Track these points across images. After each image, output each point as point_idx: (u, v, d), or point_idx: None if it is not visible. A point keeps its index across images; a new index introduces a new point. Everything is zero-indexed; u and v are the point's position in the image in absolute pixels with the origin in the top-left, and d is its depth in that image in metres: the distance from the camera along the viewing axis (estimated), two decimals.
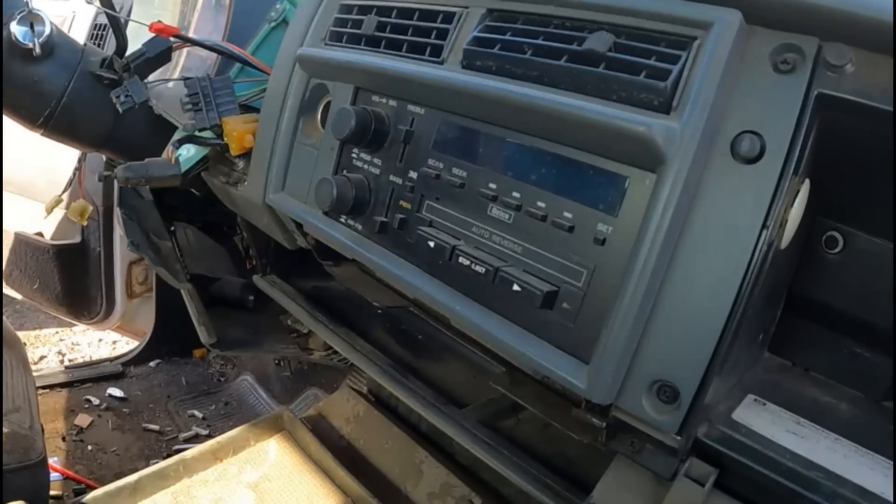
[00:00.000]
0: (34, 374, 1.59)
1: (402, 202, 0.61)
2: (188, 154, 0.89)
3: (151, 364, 1.77)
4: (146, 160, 0.87)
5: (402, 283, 0.59)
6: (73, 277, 1.66)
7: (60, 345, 2.08)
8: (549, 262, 0.50)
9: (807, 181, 0.48)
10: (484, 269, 0.51)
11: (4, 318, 1.25)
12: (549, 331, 0.50)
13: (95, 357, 1.95)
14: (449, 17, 0.59)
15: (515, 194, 0.52)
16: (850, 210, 0.55)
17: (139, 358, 1.76)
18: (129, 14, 1.41)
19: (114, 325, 1.74)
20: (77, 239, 1.63)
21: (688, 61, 0.44)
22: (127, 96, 0.85)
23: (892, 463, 0.45)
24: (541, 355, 0.49)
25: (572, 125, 0.47)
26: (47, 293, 1.69)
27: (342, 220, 0.67)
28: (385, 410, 1.06)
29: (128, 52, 0.93)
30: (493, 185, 0.53)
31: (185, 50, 0.95)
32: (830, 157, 0.49)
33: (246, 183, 0.83)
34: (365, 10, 0.69)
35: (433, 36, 0.60)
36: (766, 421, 0.50)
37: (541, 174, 0.50)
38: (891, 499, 0.41)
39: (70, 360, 1.98)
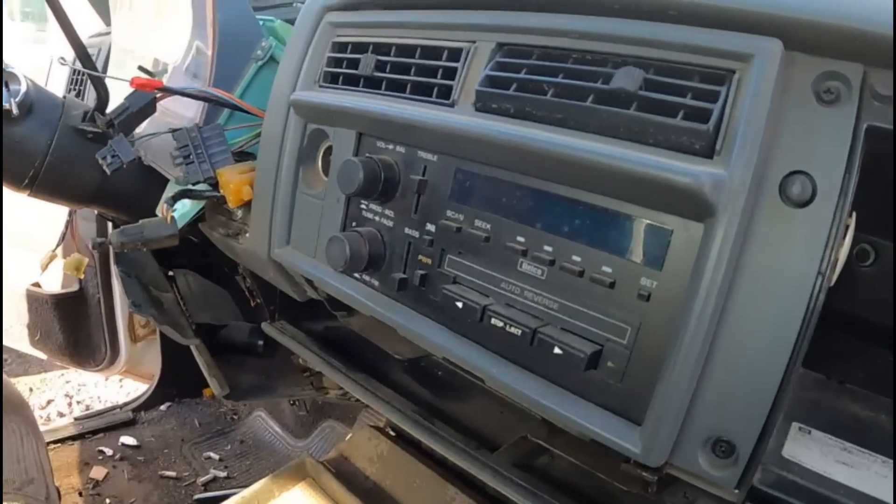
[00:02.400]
0: (44, 428, 1.57)
1: (421, 257, 0.57)
2: (183, 209, 0.85)
3: (162, 408, 1.73)
4: (141, 222, 0.83)
5: (428, 343, 0.56)
6: (74, 326, 1.62)
7: (67, 387, 2.04)
8: (589, 320, 0.46)
9: (854, 214, 0.45)
10: (520, 331, 0.47)
11: (11, 379, 1.22)
12: (595, 391, 0.46)
13: (103, 397, 1.92)
14: (455, 55, 0.55)
15: (547, 248, 0.48)
16: (881, 222, 0.53)
17: (149, 402, 1.72)
18: (105, 61, 1.37)
19: (120, 370, 1.71)
20: (75, 287, 1.59)
21: (728, 98, 0.40)
22: (114, 156, 0.81)
23: None
24: (587, 418, 0.45)
25: (606, 174, 0.43)
26: (50, 344, 1.65)
27: (356, 276, 0.63)
28: (409, 447, 1.02)
29: (110, 106, 0.89)
30: (521, 239, 0.50)
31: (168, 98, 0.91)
32: (869, 182, 0.47)
33: (247, 235, 0.79)
34: (360, 48, 0.65)
35: (440, 76, 0.56)
36: (815, 453, 0.47)
37: (573, 226, 0.47)
38: None
39: (78, 402, 1.94)
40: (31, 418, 1.20)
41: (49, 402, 1.95)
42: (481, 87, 0.51)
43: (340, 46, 0.68)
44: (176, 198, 0.82)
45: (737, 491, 0.44)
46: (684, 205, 0.41)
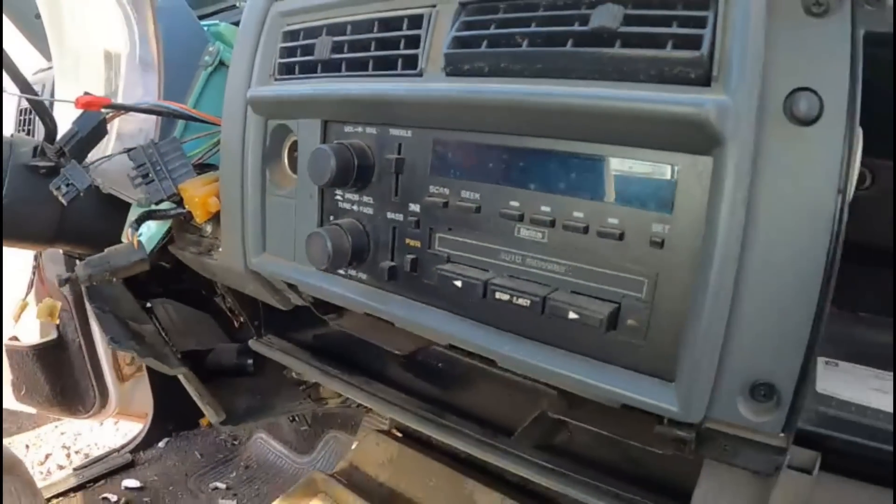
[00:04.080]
0: (44, 483, 1.50)
1: (409, 241, 0.53)
2: (150, 232, 0.81)
3: (160, 445, 1.67)
4: (106, 251, 0.78)
5: (429, 331, 0.52)
6: (59, 375, 1.55)
7: (63, 438, 1.97)
8: (601, 278, 0.43)
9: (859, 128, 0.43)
10: (529, 301, 0.44)
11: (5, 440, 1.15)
12: (618, 353, 0.43)
13: (101, 443, 1.86)
14: (416, 22, 0.52)
15: (545, 208, 0.45)
16: (877, 140, 0.50)
17: (146, 441, 1.66)
18: (52, 93, 1.31)
19: (112, 413, 1.64)
20: (54, 334, 1.52)
21: (717, 21, 0.37)
22: (68, 185, 0.76)
23: None
24: (615, 383, 0.42)
25: (600, 119, 0.40)
26: (37, 397, 1.58)
27: (342, 272, 0.59)
28: (418, 446, 0.99)
29: (59, 135, 0.84)
30: (514, 203, 0.46)
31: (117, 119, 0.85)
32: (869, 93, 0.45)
33: (220, 249, 0.75)
34: (313, 32, 0.61)
35: (403, 46, 0.53)
36: (848, 384, 0.45)
37: (570, 181, 0.43)
38: None
39: (76, 452, 1.88)
40: (26, 476, 1.14)
41: (47, 456, 1.88)
42: (450, 49, 0.48)
43: (292, 35, 0.64)
44: (140, 220, 0.77)
45: (782, 435, 0.41)
46: (689, 139, 0.38)
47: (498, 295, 0.45)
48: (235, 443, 1.67)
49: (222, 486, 1.50)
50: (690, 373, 0.39)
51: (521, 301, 0.44)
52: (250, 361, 1.12)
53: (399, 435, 1.06)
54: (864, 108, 0.46)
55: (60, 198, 0.77)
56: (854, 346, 0.51)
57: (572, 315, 0.42)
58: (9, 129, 1.42)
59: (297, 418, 1.54)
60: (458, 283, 0.47)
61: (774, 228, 0.38)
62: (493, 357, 0.49)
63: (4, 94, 0.88)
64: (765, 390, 0.40)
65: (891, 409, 0.41)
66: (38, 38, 1.33)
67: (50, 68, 1.36)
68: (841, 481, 0.42)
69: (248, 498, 1.45)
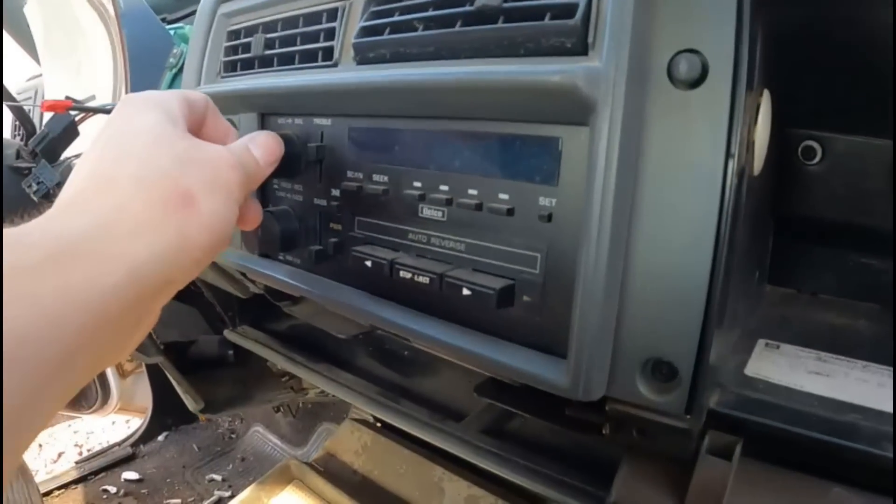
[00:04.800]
0: (48, 476, 1.55)
1: (332, 225, 0.55)
2: None
3: (160, 438, 1.71)
4: None
5: (351, 311, 0.54)
6: None
7: (75, 437, 2.02)
8: (497, 255, 0.44)
9: (766, 92, 0.42)
10: (428, 279, 0.44)
11: None
12: (516, 330, 0.44)
13: (112, 440, 1.90)
14: (333, 14, 0.53)
15: (443, 187, 0.46)
16: (820, 113, 0.50)
17: (146, 435, 1.70)
18: (42, 96, 1.35)
19: (115, 408, 1.69)
20: None
21: None
22: (38, 182, 0.79)
23: None
24: (511, 359, 0.43)
25: (481, 95, 0.41)
26: None
27: (280, 257, 0.61)
28: (392, 434, 1.00)
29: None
30: (417, 184, 0.47)
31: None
32: (784, 59, 0.43)
33: None
34: (251, 31, 0.63)
35: (322, 39, 0.54)
36: (783, 367, 0.44)
37: (464, 158, 0.44)
38: None
39: (88, 450, 1.93)
40: (22, 465, 1.18)
41: (60, 454, 1.93)
42: (357, 39, 0.49)
43: (235, 34, 0.66)
44: None
45: (689, 416, 0.40)
46: (566, 109, 0.38)
47: (402, 273, 0.46)
48: (233, 436, 1.71)
49: (218, 477, 1.54)
50: (578, 349, 0.39)
51: (421, 279, 0.45)
52: (231, 352, 1.15)
53: (375, 423, 1.07)
54: (795, 80, 0.46)
55: (32, 195, 0.80)
56: (806, 328, 0.50)
57: (466, 291, 0.42)
58: (5, 133, 1.47)
59: (283, 410, 1.57)
60: (369, 263, 0.48)
61: (661, 197, 0.37)
62: (406, 335, 0.50)
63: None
64: (665, 368, 0.39)
65: (825, 394, 0.40)
66: (31, 46, 1.37)
67: (41, 75, 1.41)
68: (763, 467, 0.41)
69: (242, 488, 1.48)
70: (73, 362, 0.30)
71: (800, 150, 0.51)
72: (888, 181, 0.48)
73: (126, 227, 0.32)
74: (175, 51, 0.90)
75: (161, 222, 0.34)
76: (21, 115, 0.94)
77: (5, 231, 0.29)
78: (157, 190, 0.35)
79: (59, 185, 0.84)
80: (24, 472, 1.14)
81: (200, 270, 0.38)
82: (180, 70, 0.90)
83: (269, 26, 0.61)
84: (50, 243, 0.30)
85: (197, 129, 0.44)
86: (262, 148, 0.46)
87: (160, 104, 0.40)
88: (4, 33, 1.58)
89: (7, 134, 1.56)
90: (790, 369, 0.44)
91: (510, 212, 0.42)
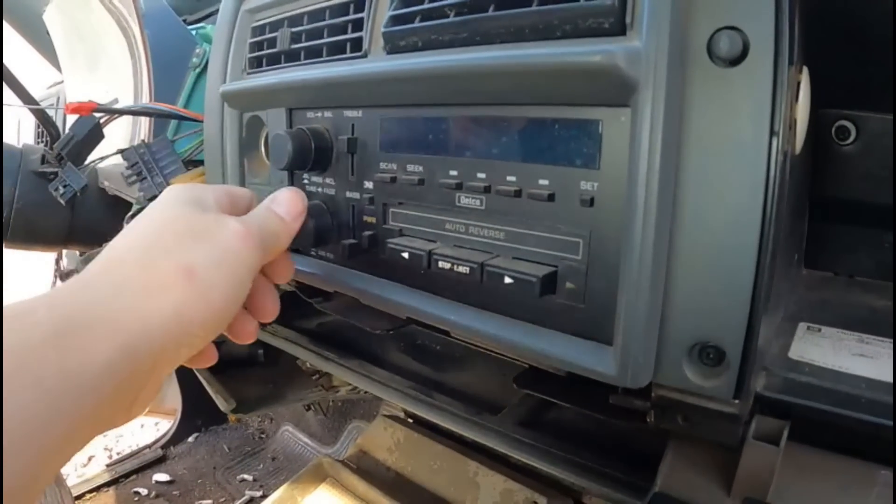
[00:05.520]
0: (80, 480, 1.57)
1: (366, 218, 0.54)
2: None
3: (190, 440, 1.73)
4: (104, 245, 0.81)
5: (388, 304, 0.53)
6: None
7: (105, 440, 2.04)
8: (538, 241, 0.43)
9: (805, 69, 0.41)
10: (468, 269, 0.44)
11: None
12: (559, 317, 0.43)
13: (143, 443, 1.93)
14: (360, 5, 0.53)
15: (480, 175, 0.45)
16: (854, 92, 0.48)
17: (176, 436, 1.72)
18: (64, 102, 1.36)
19: (144, 410, 1.70)
20: None
21: None
22: (65, 186, 0.80)
23: None
24: (555, 348, 0.42)
25: (518, 79, 0.40)
26: None
27: (313, 253, 0.61)
28: (424, 430, 1.00)
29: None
30: (453, 172, 0.47)
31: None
32: (822, 35, 0.42)
33: None
34: (276, 25, 0.63)
35: (350, 30, 0.54)
36: (826, 350, 0.43)
37: (502, 145, 0.43)
38: None
39: (118, 454, 1.95)
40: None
41: (90, 458, 1.96)
42: (387, 28, 0.48)
43: (259, 30, 0.66)
44: (136, 215, 0.80)
45: (737, 401, 0.39)
46: (606, 90, 0.37)
47: (441, 264, 0.45)
48: (263, 436, 1.72)
49: (249, 477, 1.55)
50: (625, 335, 0.38)
51: (461, 269, 0.44)
52: (261, 351, 1.15)
53: (407, 419, 1.07)
54: (831, 59, 0.45)
55: (59, 198, 0.81)
56: (846, 310, 0.49)
57: (507, 280, 0.42)
58: (28, 138, 1.49)
59: (315, 408, 1.57)
60: (406, 255, 0.48)
61: (705, 178, 0.36)
62: (445, 326, 0.49)
63: (18, 109, 0.93)
64: (712, 352, 0.38)
65: (871, 376, 0.39)
66: (51, 53, 1.38)
67: (62, 82, 1.42)
68: (811, 451, 0.41)
69: (273, 488, 1.49)
70: (73, 436, 0.31)
71: (833, 130, 0.50)
72: None
73: (121, 304, 0.34)
74: (198, 50, 0.91)
75: (157, 299, 0.35)
76: (44, 119, 0.95)
77: (11, 307, 0.31)
78: (158, 269, 0.36)
79: (86, 187, 0.85)
80: (57, 481, 1.16)
81: (201, 346, 0.38)
82: (204, 69, 0.90)
83: (295, 20, 0.61)
84: (53, 322, 0.31)
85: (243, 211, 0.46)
86: (285, 204, 0.47)
87: (193, 196, 0.42)
88: (24, 41, 1.61)
89: (30, 139, 1.58)
90: (834, 352, 0.43)
91: (551, 197, 0.41)
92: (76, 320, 0.32)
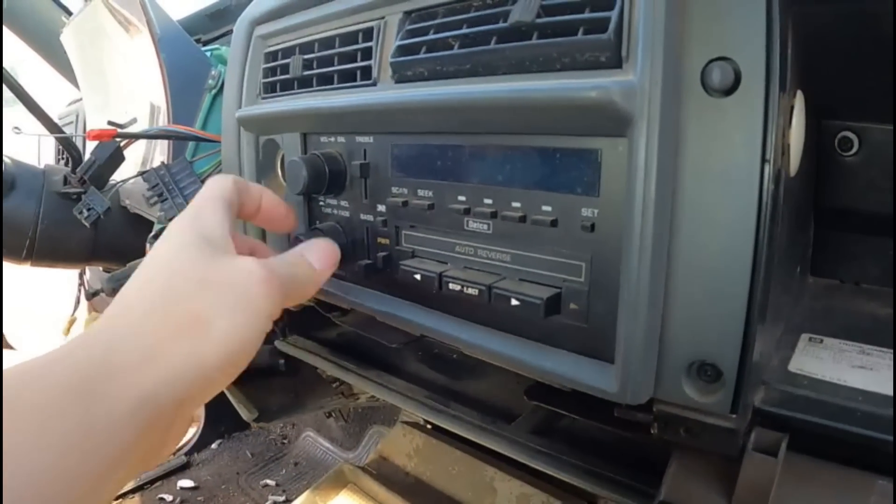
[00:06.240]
0: None
1: (380, 239, 0.56)
2: None
3: (213, 446, 1.76)
4: (128, 265, 0.85)
5: (402, 322, 0.55)
6: None
7: None
8: (543, 264, 0.45)
9: (799, 93, 0.42)
10: (477, 291, 0.46)
11: None
12: (564, 337, 0.45)
13: None
14: (368, 34, 0.55)
15: (487, 201, 0.47)
16: (855, 104, 0.49)
17: (200, 443, 1.76)
18: (84, 123, 1.40)
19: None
20: None
21: (625, 2, 0.38)
22: (89, 209, 0.83)
23: None
24: (559, 365, 0.44)
25: (520, 111, 0.42)
26: None
27: None
28: (442, 436, 1.02)
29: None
30: (462, 198, 0.49)
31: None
32: (817, 56, 0.43)
33: None
34: (289, 52, 0.65)
35: (360, 58, 0.56)
36: (826, 362, 0.44)
37: (507, 172, 0.45)
38: None
39: None
40: None
41: None
42: (394, 58, 0.50)
43: (273, 56, 0.68)
44: (158, 235, 0.83)
45: (735, 416, 0.41)
46: (604, 122, 0.39)
47: (451, 286, 0.47)
48: (285, 441, 1.75)
49: (272, 482, 1.58)
50: (625, 354, 0.40)
51: (470, 290, 0.46)
52: (282, 361, 1.18)
53: (426, 425, 1.09)
54: (830, 77, 0.46)
55: (83, 221, 0.84)
56: (850, 320, 0.50)
57: (514, 301, 0.44)
58: (47, 156, 1.54)
59: (335, 415, 1.60)
60: (418, 277, 0.50)
61: (700, 203, 0.38)
62: (456, 345, 0.52)
63: (17, 130, 0.96)
64: (710, 370, 0.40)
65: (869, 388, 0.40)
66: (70, 72, 1.43)
67: (81, 99, 1.47)
68: (811, 462, 0.41)
69: (296, 493, 1.52)
70: (101, 487, 0.32)
71: (836, 141, 0.51)
72: None
73: (135, 356, 0.34)
74: (213, 72, 0.94)
75: (170, 348, 0.35)
76: (67, 144, 0.99)
77: (29, 367, 0.32)
78: (169, 316, 0.36)
79: (109, 210, 0.88)
80: None
81: (220, 388, 0.39)
82: (220, 91, 0.93)
83: (306, 47, 0.63)
84: (71, 377, 0.32)
85: (253, 212, 0.50)
86: (318, 253, 0.48)
87: (202, 235, 0.41)
88: (44, 61, 1.66)
89: (50, 157, 1.63)
90: (834, 364, 0.44)
91: (554, 223, 0.43)
92: (95, 373, 0.32)
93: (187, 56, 0.93)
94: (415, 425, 1.08)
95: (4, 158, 0.95)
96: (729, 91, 0.37)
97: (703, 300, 0.39)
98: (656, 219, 0.38)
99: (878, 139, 0.50)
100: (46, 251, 0.99)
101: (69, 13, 1.47)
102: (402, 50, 0.50)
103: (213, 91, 0.91)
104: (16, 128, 0.92)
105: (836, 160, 0.52)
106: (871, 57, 0.44)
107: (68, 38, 1.27)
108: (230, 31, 0.81)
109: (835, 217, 0.55)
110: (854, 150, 0.52)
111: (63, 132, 0.94)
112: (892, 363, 0.43)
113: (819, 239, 0.56)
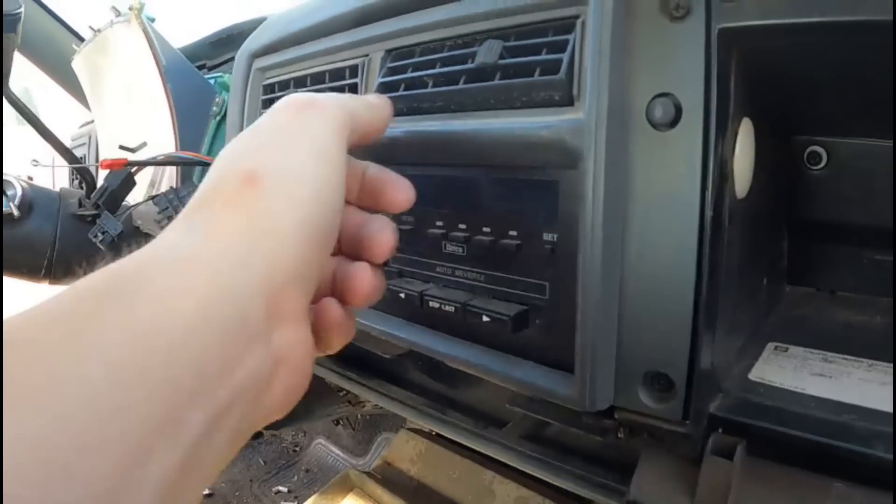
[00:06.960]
0: None
1: None
2: None
3: None
4: None
5: (389, 336, 0.60)
6: None
7: None
8: (512, 284, 0.49)
9: (745, 121, 0.46)
10: (453, 308, 0.50)
11: None
12: (532, 349, 0.49)
13: None
14: (354, 71, 0.59)
15: (462, 226, 0.51)
16: (820, 121, 0.52)
17: None
18: (96, 144, 1.46)
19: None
20: None
21: (576, 43, 0.42)
22: (104, 233, 0.88)
23: None
24: (527, 375, 0.48)
25: (482, 147, 0.46)
26: None
27: None
28: (444, 442, 1.06)
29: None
30: (439, 223, 0.53)
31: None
32: (771, 82, 0.46)
33: None
34: (284, 85, 0.70)
35: (347, 92, 0.60)
36: (788, 370, 0.47)
37: (477, 201, 0.50)
38: None
39: None
40: None
41: None
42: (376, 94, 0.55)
43: (270, 88, 0.73)
44: None
45: (687, 422, 0.44)
46: (557, 157, 0.43)
47: (431, 304, 0.52)
48: (297, 449, 1.80)
49: (284, 489, 1.62)
50: (583, 364, 0.44)
51: (447, 308, 0.50)
52: None
53: (430, 432, 1.13)
54: (790, 100, 0.49)
55: (98, 244, 0.89)
56: (821, 328, 0.53)
57: (485, 318, 0.48)
58: (61, 179, 1.60)
59: (343, 423, 1.64)
60: (402, 295, 0.54)
61: (647, 229, 0.41)
62: (437, 357, 0.56)
63: (35, 162, 1.02)
64: (663, 380, 0.43)
65: (824, 395, 0.43)
66: (81, 96, 1.49)
67: (93, 121, 1.53)
68: (768, 466, 0.43)
69: (307, 499, 1.57)
70: (179, 435, 0.23)
71: (805, 155, 0.54)
72: (892, 182, 0.49)
73: (190, 243, 0.28)
74: (217, 99, 0.99)
75: (225, 223, 0.28)
76: (81, 170, 1.04)
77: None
78: (218, 193, 0.30)
79: (122, 234, 0.93)
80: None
81: (318, 269, 0.32)
82: (223, 118, 0.98)
83: (300, 81, 0.67)
84: (102, 283, 0.25)
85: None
86: (371, 96, 0.43)
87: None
88: (59, 87, 1.73)
89: (65, 181, 1.69)
90: (794, 372, 0.47)
91: (519, 247, 0.47)
92: (132, 276, 0.24)
93: (192, 85, 0.99)
94: (418, 432, 1.12)
95: (21, 182, 1.01)
96: (671, 124, 0.40)
97: (653, 315, 0.42)
98: (605, 242, 0.41)
99: (845, 153, 0.53)
100: (64, 270, 1.04)
101: (81, 39, 1.53)
102: (383, 87, 0.54)
103: (218, 118, 0.96)
104: (34, 160, 0.98)
105: (806, 174, 0.55)
106: (826, 80, 0.47)
107: (79, 66, 1.33)
108: (232, 58, 0.86)
109: (809, 228, 0.57)
110: (822, 163, 0.55)
111: (76, 158, 0.99)
112: (853, 371, 0.46)
113: (795, 249, 0.59)
